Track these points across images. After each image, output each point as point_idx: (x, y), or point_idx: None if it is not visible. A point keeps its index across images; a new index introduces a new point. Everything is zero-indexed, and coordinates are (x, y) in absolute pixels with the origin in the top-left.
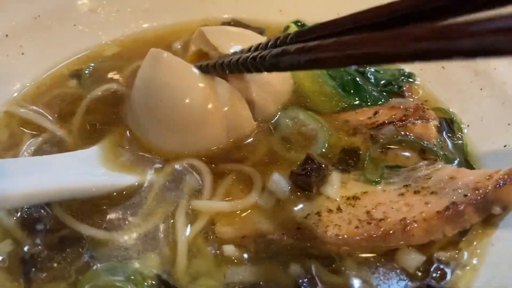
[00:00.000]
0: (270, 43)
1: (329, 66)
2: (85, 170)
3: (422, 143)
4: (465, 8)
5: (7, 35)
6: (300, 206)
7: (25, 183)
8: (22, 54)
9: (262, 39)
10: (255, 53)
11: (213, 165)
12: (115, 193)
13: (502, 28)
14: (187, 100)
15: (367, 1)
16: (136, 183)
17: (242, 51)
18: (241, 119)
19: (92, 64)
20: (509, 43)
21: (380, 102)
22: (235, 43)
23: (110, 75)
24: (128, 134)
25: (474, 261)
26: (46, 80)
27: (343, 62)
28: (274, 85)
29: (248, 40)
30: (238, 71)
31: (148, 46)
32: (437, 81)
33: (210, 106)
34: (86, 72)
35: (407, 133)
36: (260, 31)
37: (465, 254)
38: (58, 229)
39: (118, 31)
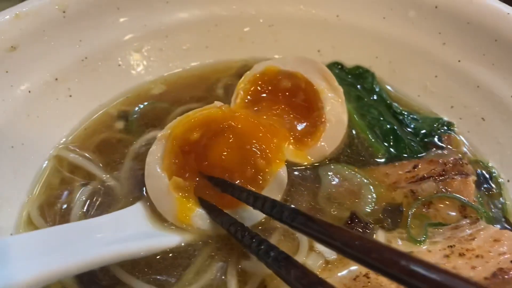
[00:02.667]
0: (266, 205)
1: None
2: (132, 232)
3: (462, 200)
4: None
5: (56, 79)
6: (348, 266)
7: (72, 254)
8: (70, 96)
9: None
10: (249, 241)
11: None
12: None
13: None
14: None
15: (402, 47)
16: (183, 243)
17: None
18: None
19: (140, 106)
20: None
21: (419, 155)
22: None
23: (156, 120)
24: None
25: None
26: (93, 122)
27: None
28: (336, 127)
29: None
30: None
31: (191, 87)
32: (477, 132)
33: None
34: (134, 116)
35: (447, 188)
36: None
37: None
38: (113, 284)
39: (161, 70)
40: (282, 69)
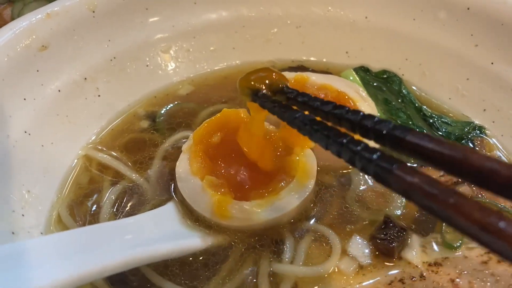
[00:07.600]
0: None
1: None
2: (163, 233)
3: (498, 205)
4: None
5: (85, 78)
6: (382, 271)
7: (103, 256)
8: (99, 96)
9: None
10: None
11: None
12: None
13: None
14: None
15: (432, 49)
16: (214, 245)
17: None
18: None
19: (168, 107)
20: None
21: None
22: None
23: (184, 120)
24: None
25: None
26: (121, 121)
27: None
28: None
29: None
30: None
31: (219, 88)
32: (511, 135)
33: None
34: (161, 117)
35: (482, 194)
36: None
37: None
38: (143, 286)
39: (188, 71)
40: (311, 79)
